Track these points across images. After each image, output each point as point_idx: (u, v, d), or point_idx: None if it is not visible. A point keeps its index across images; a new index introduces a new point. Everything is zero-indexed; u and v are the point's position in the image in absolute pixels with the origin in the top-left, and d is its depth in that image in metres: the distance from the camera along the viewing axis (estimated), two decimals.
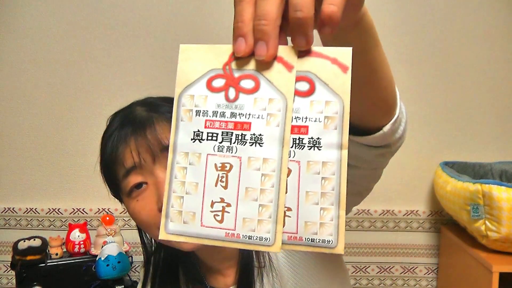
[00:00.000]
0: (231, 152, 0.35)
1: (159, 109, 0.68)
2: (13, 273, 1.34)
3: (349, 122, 0.49)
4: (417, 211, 1.56)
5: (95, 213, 1.56)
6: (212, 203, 0.35)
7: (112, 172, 0.68)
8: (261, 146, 0.35)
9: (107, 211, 1.55)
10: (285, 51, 0.35)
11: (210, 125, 0.36)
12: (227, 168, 0.35)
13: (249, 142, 0.35)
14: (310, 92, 0.35)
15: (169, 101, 0.71)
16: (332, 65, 0.34)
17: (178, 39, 1.52)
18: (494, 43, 1.52)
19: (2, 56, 1.53)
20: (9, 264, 1.37)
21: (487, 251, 1.25)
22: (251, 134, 0.35)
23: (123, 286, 1.32)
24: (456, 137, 1.56)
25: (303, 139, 0.35)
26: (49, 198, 1.58)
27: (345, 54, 0.34)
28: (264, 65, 0.35)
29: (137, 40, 1.52)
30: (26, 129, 1.56)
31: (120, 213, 1.55)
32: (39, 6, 1.51)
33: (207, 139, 0.36)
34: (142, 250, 0.83)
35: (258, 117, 0.35)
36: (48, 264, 1.33)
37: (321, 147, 0.34)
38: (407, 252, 1.58)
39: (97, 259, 1.31)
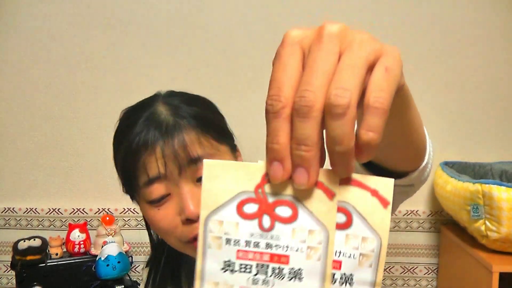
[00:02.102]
0: (268, 286, 0.33)
1: (185, 114, 0.66)
2: (13, 273, 1.34)
3: (376, 164, 0.48)
4: (417, 211, 1.56)
5: (95, 213, 1.56)
6: None
7: (133, 176, 0.66)
8: (300, 280, 0.32)
9: (107, 211, 1.55)
10: (326, 176, 0.31)
11: (243, 256, 0.33)
12: None
13: (288, 277, 0.32)
14: (347, 225, 0.32)
15: (192, 101, 0.69)
16: (372, 197, 0.32)
17: (178, 39, 1.52)
18: (494, 43, 1.52)
19: (2, 56, 1.53)
20: (9, 264, 1.37)
21: (487, 251, 1.25)
22: (289, 268, 0.32)
23: (123, 286, 1.32)
24: (456, 137, 1.56)
25: (335, 274, 0.32)
26: (49, 198, 1.58)
27: (386, 186, 0.32)
28: (303, 192, 0.32)
29: (137, 40, 1.52)
30: (26, 129, 1.56)
31: (120, 213, 1.55)
32: (39, 6, 1.51)
33: (239, 271, 0.33)
34: (150, 247, 0.83)
35: (297, 250, 0.32)
36: (48, 264, 1.33)
37: (353, 283, 0.33)
38: (407, 252, 1.58)
39: (97, 259, 1.31)
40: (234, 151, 0.73)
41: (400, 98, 0.39)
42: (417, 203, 1.57)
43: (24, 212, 1.56)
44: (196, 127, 0.65)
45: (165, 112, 0.66)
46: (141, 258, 1.57)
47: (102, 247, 1.33)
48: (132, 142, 0.64)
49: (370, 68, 0.30)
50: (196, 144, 0.64)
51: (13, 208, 1.56)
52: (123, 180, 0.69)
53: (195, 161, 0.63)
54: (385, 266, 1.58)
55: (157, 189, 0.64)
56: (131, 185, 0.68)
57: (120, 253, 1.31)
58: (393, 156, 0.47)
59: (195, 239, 0.64)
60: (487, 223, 1.20)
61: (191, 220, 0.64)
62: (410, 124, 0.46)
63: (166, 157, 0.63)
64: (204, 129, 0.65)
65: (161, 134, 0.63)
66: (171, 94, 0.71)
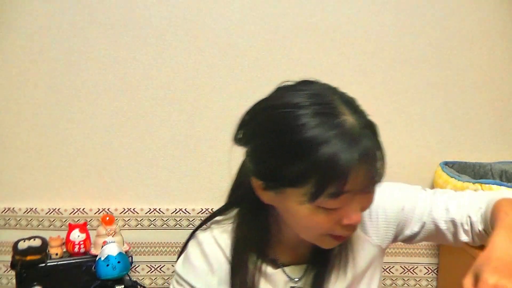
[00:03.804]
0: None
1: (373, 132, 0.65)
2: (13, 273, 1.34)
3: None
4: None
5: (95, 213, 1.56)
6: None
7: (320, 184, 0.62)
8: None
9: (107, 211, 1.55)
10: None
11: None
12: None
13: None
14: None
15: (362, 111, 0.67)
16: None
17: (178, 39, 1.52)
18: (494, 43, 1.52)
19: (2, 56, 1.53)
20: (9, 264, 1.37)
21: None
22: None
23: (123, 286, 1.32)
24: (456, 137, 1.55)
25: None
26: (49, 198, 1.58)
27: None
28: None
29: (137, 40, 1.52)
30: (26, 129, 1.56)
31: (120, 213, 1.55)
32: (39, 6, 1.51)
33: None
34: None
35: None
36: (48, 264, 1.33)
37: None
38: (407, 252, 1.58)
39: (97, 259, 1.31)
40: None
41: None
42: None
43: (24, 212, 1.56)
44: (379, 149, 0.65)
45: (358, 127, 0.63)
46: (141, 258, 1.57)
47: (102, 247, 1.33)
48: (328, 152, 0.60)
49: None
50: (382, 169, 0.65)
51: (13, 208, 1.56)
52: (294, 175, 0.63)
53: (373, 190, 0.67)
54: (385, 266, 1.59)
55: (339, 201, 0.63)
56: (299, 185, 0.64)
57: (120, 253, 1.31)
58: None
59: (337, 237, 0.68)
60: None
61: (351, 226, 0.66)
62: None
63: (366, 179, 0.63)
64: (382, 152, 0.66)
65: (366, 160, 0.62)
66: (348, 98, 0.68)
